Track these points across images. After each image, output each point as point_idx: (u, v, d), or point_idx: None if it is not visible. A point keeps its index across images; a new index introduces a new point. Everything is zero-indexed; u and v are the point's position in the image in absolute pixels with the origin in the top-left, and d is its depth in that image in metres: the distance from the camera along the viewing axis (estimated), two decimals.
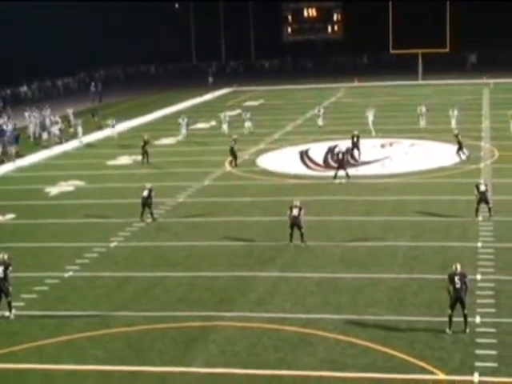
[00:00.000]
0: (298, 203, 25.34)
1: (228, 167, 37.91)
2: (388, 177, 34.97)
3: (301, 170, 37.43)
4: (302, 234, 25.28)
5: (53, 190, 35.33)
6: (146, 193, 28.73)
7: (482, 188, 27.00)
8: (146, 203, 28.67)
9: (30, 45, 79.95)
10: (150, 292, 21.73)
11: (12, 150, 44.57)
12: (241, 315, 19.59)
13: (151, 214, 28.81)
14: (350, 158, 38.06)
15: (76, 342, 18.49)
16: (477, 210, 27.11)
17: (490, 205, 27.24)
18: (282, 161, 39.47)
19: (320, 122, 49.64)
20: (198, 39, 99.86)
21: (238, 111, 61.25)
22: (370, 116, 46.04)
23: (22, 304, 21.09)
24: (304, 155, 40.56)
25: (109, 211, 30.87)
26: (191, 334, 18.72)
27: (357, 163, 37.72)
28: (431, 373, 16.36)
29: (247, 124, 48.82)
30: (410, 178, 34.52)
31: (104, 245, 26.23)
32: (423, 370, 16.46)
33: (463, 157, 37.10)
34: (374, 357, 17.13)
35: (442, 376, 16.23)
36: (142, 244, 26.38)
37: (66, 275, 23.37)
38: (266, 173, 36.94)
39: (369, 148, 40.86)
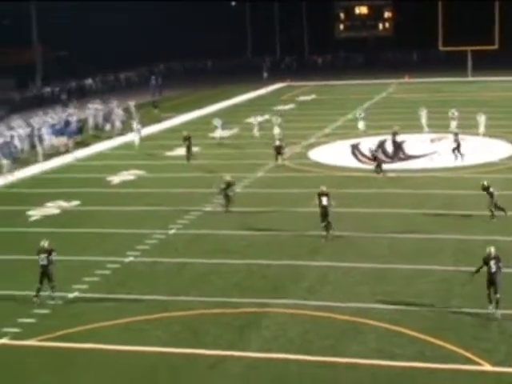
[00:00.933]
0: (325, 189, 24.88)
1: (280, 160, 37.78)
2: (436, 171, 34.51)
3: (352, 163, 37.17)
4: (329, 223, 24.64)
5: (115, 179, 35.66)
6: (223, 185, 28.22)
7: None
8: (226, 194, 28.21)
9: (94, 40, 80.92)
10: (207, 278, 21.81)
11: (76, 140, 45.21)
12: (292, 302, 19.54)
13: (226, 205, 28.34)
14: (397, 153, 37.96)
15: (136, 325, 18.65)
16: None
17: None
18: (333, 154, 39.24)
19: (361, 125, 44.78)
20: (253, 35, 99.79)
21: (292, 106, 61.12)
22: (422, 113, 45.41)
23: (85, 287, 21.35)
24: (355, 149, 40.28)
25: (168, 200, 31.06)
26: (245, 319, 18.74)
27: (405, 157, 37.46)
28: (477, 364, 16.11)
29: (276, 131, 42.87)
30: (458, 172, 34.01)
31: (163, 232, 26.39)
32: (469, 361, 16.22)
33: (459, 158, 36.03)
34: (422, 347, 16.93)
35: (488, 367, 15.98)
36: (199, 232, 26.47)
37: (127, 260, 23.58)
38: (318, 165, 36.77)
39: (418, 143, 40.41)
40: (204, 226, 27.05)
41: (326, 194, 24.84)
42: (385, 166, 34.49)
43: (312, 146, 41.94)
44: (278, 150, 36.87)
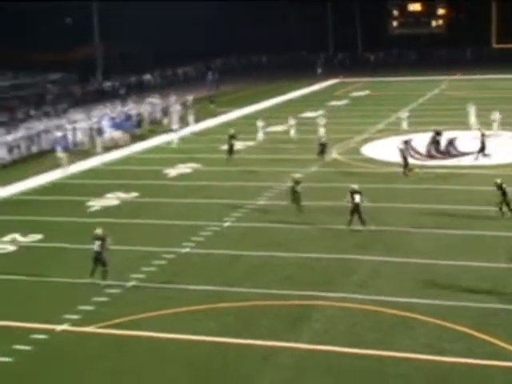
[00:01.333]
0: (356, 187, 25.02)
1: (334, 154, 37.60)
2: (485, 168, 33.94)
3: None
4: (361, 219, 24.84)
5: (172, 172, 35.95)
6: (291, 184, 27.73)
7: None
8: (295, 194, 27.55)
9: (154, 37, 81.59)
10: (259, 270, 21.86)
11: (134, 133, 45.71)
12: (343, 296, 19.47)
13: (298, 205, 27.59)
14: (450, 149, 37.53)
15: (190, 314, 18.78)
16: None
17: None
18: (386, 149, 38.87)
19: (405, 125, 43.81)
20: (307, 32, 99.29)
21: (345, 101, 60.78)
22: (471, 110, 44.70)
23: (142, 276, 21.59)
24: (407, 145, 39.74)
25: (223, 193, 31.20)
26: (296, 311, 18.73)
27: (457, 153, 37.01)
28: None
29: (321, 131, 40.79)
30: (506, 169, 33.39)
31: (218, 224, 26.52)
32: None
33: (481, 157, 35.26)
34: (472, 343, 16.71)
35: None
36: (252, 225, 26.53)
37: (183, 251, 23.76)
38: (370, 161, 36.48)
39: (468, 140, 39.78)
40: (257, 220, 27.10)
41: (359, 192, 24.95)
42: (434, 163, 33.97)
43: (365, 141, 41.63)
44: (323, 148, 36.55)
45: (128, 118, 48.50)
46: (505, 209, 25.73)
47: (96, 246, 20.72)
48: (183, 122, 49.01)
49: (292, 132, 43.47)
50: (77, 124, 45.29)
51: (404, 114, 45.22)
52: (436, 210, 27.28)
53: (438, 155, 36.89)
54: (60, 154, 37.23)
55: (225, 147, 41.80)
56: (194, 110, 51.54)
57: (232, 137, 38.18)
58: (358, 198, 24.94)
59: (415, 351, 16.40)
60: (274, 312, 18.73)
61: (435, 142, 38.57)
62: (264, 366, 16.15)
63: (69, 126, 44.26)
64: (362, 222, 25.05)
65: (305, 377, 15.65)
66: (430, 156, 37.01)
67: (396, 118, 49.50)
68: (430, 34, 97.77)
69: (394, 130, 44.79)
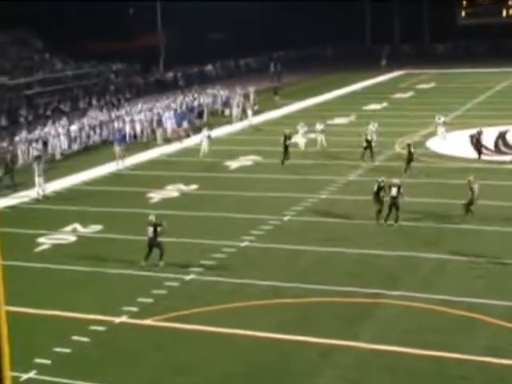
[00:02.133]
0: (397, 181, 24.78)
1: (398, 148, 37.16)
2: None
3: (471, 153, 36.10)
4: (397, 216, 24.60)
5: (233, 164, 36.03)
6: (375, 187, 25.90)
7: None
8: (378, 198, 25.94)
9: (218, 28, 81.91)
10: (320, 266, 21.75)
11: (196, 125, 45.94)
12: (405, 295, 19.20)
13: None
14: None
15: (248, 309, 18.77)
16: None
17: None
18: (452, 144, 38.24)
19: (440, 131, 39.94)
20: (372, 23, 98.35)
21: (411, 94, 60.05)
22: None
23: (200, 270, 21.67)
24: (474, 139, 39.02)
25: (284, 186, 31.13)
26: (357, 309, 18.57)
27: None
28: None
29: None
30: None
31: (278, 218, 26.47)
32: None
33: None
34: None
35: None
36: (313, 219, 26.41)
37: (242, 245, 23.78)
38: (436, 155, 35.93)
39: None
40: (318, 214, 26.95)
41: (398, 186, 24.68)
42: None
43: (430, 135, 41.02)
44: (369, 146, 34.89)
45: (190, 109, 48.81)
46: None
47: (149, 232, 21.52)
48: (244, 114, 49.07)
49: (301, 143, 38.13)
50: (136, 116, 45.74)
51: (440, 119, 40.32)
52: (507, 208, 26.69)
53: (509, 151, 36.17)
54: (116, 147, 37.48)
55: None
56: (256, 102, 51.59)
57: (287, 137, 35.74)
58: (394, 191, 24.54)
59: (478, 353, 16.06)
60: (335, 309, 18.59)
61: (502, 137, 37.84)
62: (322, 363, 16.03)
63: (127, 118, 44.64)
64: (396, 218, 24.67)
65: (363, 376, 15.48)
66: (499, 151, 36.28)
67: (463, 110, 48.70)
68: (500, 23, 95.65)
69: (460, 123, 44.03)
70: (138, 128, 44.55)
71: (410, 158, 31.59)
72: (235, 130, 46.24)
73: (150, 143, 42.74)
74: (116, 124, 43.27)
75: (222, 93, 55.08)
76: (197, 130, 45.15)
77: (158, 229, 21.59)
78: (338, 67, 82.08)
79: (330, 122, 46.32)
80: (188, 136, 44.26)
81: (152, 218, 21.80)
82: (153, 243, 21.64)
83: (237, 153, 38.39)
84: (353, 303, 18.90)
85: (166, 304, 19.30)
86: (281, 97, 56.78)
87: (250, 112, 47.08)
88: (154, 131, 44.45)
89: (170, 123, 44.54)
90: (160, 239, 21.77)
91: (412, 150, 31.85)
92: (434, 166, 33.55)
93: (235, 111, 49.95)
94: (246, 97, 53.89)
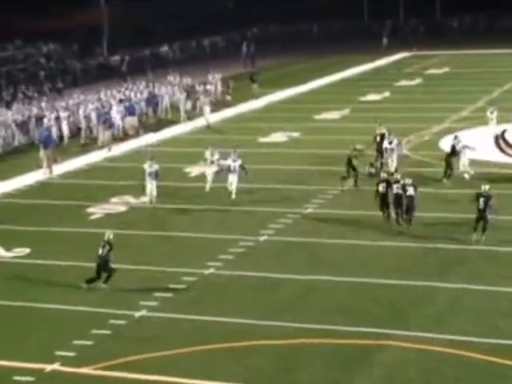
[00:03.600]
0: (487, 189, 25.37)
1: (404, 150, 37.24)
2: None
3: (495, 156, 36.31)
4: (484, 229, 25.21)
5: (194, 170, 35.89)
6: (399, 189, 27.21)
7: None
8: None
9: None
10: (304, 298, 21.70)
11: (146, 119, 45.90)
12: (414, 334, 19.16)
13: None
14: None
15: (214, 354, 18.62)
16: None
17: None
18: (472, 144, 38.38)
19: (493, 124, 41.18)
20: None
21: (418, 81, 60.43)
22: None
23: (154, 304, 21.52)
24: (499, 138, 39.34)
25: (259, 197, 31.13)
26: (352, 352, 18.49)
27: None
28: None
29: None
30: None
31: (252, 238, 26.43)
32: None
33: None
34: None
35: None
36: (295, 239, 26.38)
37: (206, 272, 23.68)
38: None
39: None
40: (301, 232, 26.99)
41: (413, 186, 26.63)
42: None
43: (444, 133, 41.23)
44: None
45: (149, 101, 48.66)
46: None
47: (103, 250, 22.50)
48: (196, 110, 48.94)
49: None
50: (72, 109, 45.50)
51: (493, 112, 41.60)
52: None
53: None
54: (43, 150, 37.34)
55: (264, 139, 41.65)
56: (229, 91, 51.90)
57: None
58: (481, 201, 25.20)
59: None
60: (324, 353, 18.48)
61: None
62: None
63: (62, 114, 44.24)
64: (474, 230, 25.25)
65: None
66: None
67: (486, 101, 49.02)
68: None
69: (482, 118, 44.23)
70: (80, 124, 44.22)
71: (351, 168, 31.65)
72: (197, 127, 46.27)
73: (90, 144, 42.55)
74: (46, 120, 42.90)
75: (181, 81, 55.05)
76: (151, 126, 45.09)
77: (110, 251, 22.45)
78: (327, 48, 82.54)
79: (317, 116, 46.46)
80: (137, 134, 44.15)
81: (109, 235, 22.80)
82: (103, 264, 22.33)
83: (198, 156, 38.31)
84: (347, 345, 18.79)
85: (110, 347, 19.10)
86: (259, 85, 56.84)
87: (206, 108, 46.77)
88: (92, 129, 44.22)
89: (118, 118, 44.34)
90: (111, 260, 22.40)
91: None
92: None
93: (183, 106, 49.45)
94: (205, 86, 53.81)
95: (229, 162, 30.69)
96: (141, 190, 31.67)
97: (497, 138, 39.38)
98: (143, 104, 48.46)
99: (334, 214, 28.73)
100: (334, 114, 47.87)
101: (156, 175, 30.41)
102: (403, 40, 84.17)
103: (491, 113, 41.09)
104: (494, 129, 40.47)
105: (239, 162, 30.45)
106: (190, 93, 51.08)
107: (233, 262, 24.48)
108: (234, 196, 30.30)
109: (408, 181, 26.96)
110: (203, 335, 19.56)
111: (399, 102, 51.23)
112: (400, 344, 18.74)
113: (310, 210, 29.39)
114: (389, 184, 27.12)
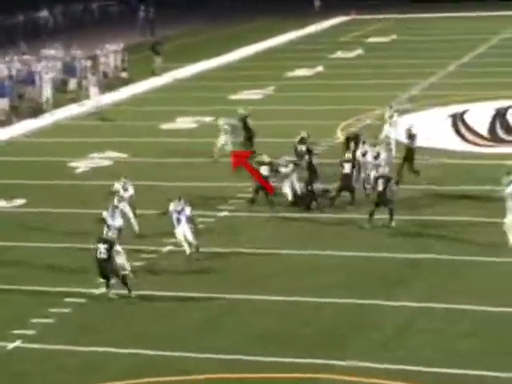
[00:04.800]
0: (384, 170, 27.56)
1: (341, 136, 37.39)
2: None
3: (454, 143, 36.74)
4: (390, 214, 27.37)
5: (80, 165, 35.62)
6: None
7: None
8: None
9: None
10: (218, 322, 21.65)
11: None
12: (358, 365, 19.18)
13: None
14: None
15: None
16: None
17: None
18: (426, 128, 38.72)
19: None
20: None
21: (358, 52, 60.78)
22: None
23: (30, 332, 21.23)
24: (458, 120, 39.73)
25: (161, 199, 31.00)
26: None
27: None
28: None
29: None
30: None
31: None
32: None
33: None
34: None
35: None
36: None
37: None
38: (399, 146, 36.21)
39: None
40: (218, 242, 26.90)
41: (385, 178, 27.85)
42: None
43: (391, 116, 41.37)
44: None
45: (14, 78, 48.14)
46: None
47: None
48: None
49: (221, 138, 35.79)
50: None
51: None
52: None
53: (510, 137, 36.93)
54: None
55: (167, 126, 41.50)
56: (125, 66, 51.81)
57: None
58: (347, 167, 28.49)
59: None
60: None
61: (500, 118, 38.66)
62: None
63: None
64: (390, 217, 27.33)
65: None
66: (495, 139, 36.90)
67: (440, 77, 49.53)
68: None
69: (437, 96, 44.70)
70: None
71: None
72: (84, 112, 46.05)
73: None
74: None
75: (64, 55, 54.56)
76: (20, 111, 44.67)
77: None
78: (246, 12, 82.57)
79: (233, 97, 46.37)
80: (8, 121, 43.83)
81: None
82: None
83: (86, 148, 38.07)
84: (272, 380, 18.75)
85: None
86: (163, 58, 56.46)
87: (93, 89, 46.32)
88: None
89: None
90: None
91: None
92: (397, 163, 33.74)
93: (84, 84, 49.24)
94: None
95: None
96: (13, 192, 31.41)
97: (455, 120, 39.73)
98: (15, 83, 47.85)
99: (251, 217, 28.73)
100: (254, 94, 47.82)
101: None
102: (339, 1, 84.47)
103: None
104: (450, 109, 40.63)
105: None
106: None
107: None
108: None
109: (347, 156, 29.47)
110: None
111: (335, 79, 51.46)
112: (340, 378, 18.70)
113: (225, 213, 29.32)
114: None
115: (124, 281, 23.23)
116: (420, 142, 32.84)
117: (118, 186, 28.61)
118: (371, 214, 27.56)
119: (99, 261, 23.16)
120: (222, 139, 35.15)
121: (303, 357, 19.57)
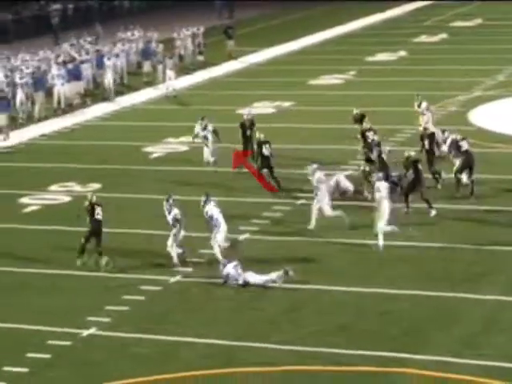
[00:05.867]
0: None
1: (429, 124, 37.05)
2: None
3: None
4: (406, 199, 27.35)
5: (156, 150, 35.75)
6: None
7: None
8: None
9: None
10: (297, 313, 21.60)
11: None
12: (437, 359, 18.99)
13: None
14: None
15: None
16: None
17: None
18: (510, 116, 38.46)
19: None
20: None
21: (442, 36, 60.33)
22: None
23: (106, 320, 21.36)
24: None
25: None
26: (358, 382, 18.44)
27: None
28: None
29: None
30: None
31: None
32: None
33: None
34: None
35: None
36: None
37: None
38: (484, 134, 35.91)
39: None
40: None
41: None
42: None
43: (475, 102, 41.10)
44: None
45: (89, 61, 48.35)
46: None
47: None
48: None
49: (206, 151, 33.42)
50: None
51: None
52: None
53: None
54: None
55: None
56: (201, 49, 51.98)
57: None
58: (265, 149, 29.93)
59: None
60: (320, 382, 18.41)
61: None
62: None
63: None
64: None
65: None
66: None
67: None
68: None
69: None
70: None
71: None
72: (159, 96, 46.44)
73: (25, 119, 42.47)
74: None
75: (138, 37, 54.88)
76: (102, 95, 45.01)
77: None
78: None
79: (313, 81, 46.24)
80: (84, 104, 44.12)
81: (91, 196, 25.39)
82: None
83: (161, 132, 38.30)
84: (349, 372, 18.61)
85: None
86: (236, 41, 56.61)
87: (169, 72, 46.31)
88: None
89: (59, 84, 44.04)
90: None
91: None
92: (493, 152, 33.51)
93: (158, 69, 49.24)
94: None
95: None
96: (89, 178, 31.57)
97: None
98: (91, 66, 48.14)
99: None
100: (334, 79, 47.64)
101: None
102: None
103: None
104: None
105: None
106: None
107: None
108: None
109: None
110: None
111: (417, 64, 51.13)
112: (419, 372, 18.48)
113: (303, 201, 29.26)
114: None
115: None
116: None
117: (198, 127, 32.71)
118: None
119: (97, 222, 24.80)
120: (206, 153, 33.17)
121: (383, 349, 19.45)
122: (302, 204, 28.94)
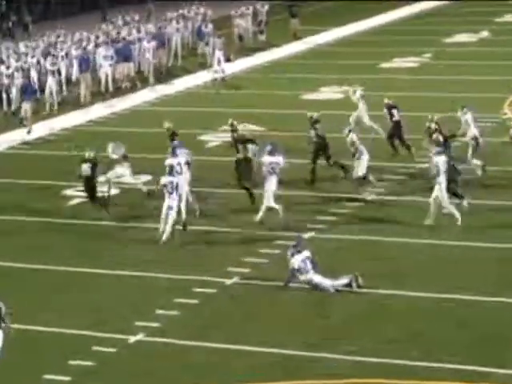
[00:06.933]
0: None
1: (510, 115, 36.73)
2: None
3: None
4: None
5: (213, 139, 35.80)
6: None
7: None
8: None
9: None
10: (365, 320, 21.48)
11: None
12: None
13: None
14: None
15: None
16: None
17: None
18: None
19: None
20: None
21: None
22: None
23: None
24: None
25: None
26: None
27: None
28: None
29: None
30: None
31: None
32: None
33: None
34: None
35: None
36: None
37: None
38: None
39: None
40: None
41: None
42: None
43: None
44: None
45: (140, 40, 48.54)
46: None
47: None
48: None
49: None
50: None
51: None
52: None
53: None
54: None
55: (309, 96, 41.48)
56: (262, 28, 52.11)
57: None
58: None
59: None
60: None
61: None
62: None
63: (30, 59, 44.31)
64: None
65: None
66: None
67: None
68: None
69: None
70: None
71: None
72: (213, 79, 46.53)
73: (71, 102, 42.71)
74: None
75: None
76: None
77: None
78: None
79: (385, 64, 46.07)
80: (133, 88, 44.28)
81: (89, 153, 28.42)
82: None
83: (218, 119, 38.11)
84: None
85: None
86: (301, 20, 56.61)
87: (218, 53, 46.12)
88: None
89: (106, 65, 44.31)
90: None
91: None
92: None
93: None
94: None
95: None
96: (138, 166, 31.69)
97: None
98: (143, 45, 48.25)
99: None
100: (408, 62, 47.46)
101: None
102: None
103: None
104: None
105: None
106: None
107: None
108: None
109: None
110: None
111: (502, 45, 50.65)
112: None
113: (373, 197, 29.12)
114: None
115: (102, 202, 28.43)
116: None
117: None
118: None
119: (84, 178, 28.42)
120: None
121: (460, 362, 19.27)
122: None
